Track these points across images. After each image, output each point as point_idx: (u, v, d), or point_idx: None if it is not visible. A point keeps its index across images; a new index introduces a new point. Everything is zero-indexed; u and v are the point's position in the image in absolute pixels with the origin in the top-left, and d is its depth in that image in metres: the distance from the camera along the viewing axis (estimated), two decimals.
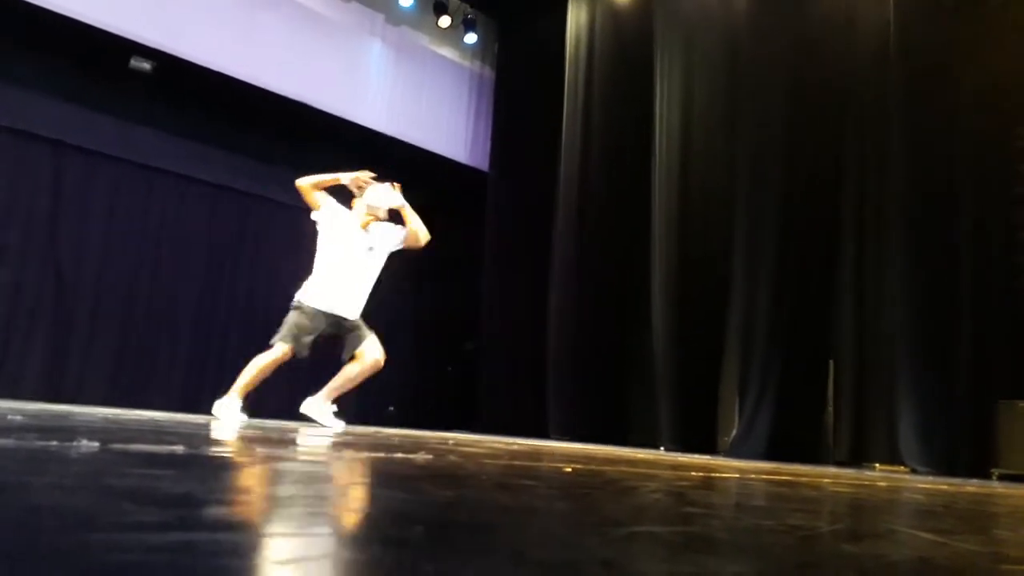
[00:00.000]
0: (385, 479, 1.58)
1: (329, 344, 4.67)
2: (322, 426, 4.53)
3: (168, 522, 0.81)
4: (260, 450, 1.88)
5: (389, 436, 4.04)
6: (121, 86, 6.98)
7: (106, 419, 3.23)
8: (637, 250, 7.66)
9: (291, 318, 4.54)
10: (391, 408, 8.61)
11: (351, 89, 8.33)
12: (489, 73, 9.55)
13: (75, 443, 1.58)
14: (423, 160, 8.85)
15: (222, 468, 1.47)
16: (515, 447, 4.18)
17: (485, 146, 9.35)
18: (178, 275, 7.32)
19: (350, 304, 4.58)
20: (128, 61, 6.91)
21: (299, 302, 4.55)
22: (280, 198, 8.10)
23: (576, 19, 8.73)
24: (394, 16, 8.75)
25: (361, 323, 4.64)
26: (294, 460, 1.72)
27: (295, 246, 8.21)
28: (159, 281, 7.20)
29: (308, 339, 4.50)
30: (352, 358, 4.57)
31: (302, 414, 4.59)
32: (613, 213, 8.02)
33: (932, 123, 5.82)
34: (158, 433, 2.45)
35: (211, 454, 1.72)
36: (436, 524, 1.04)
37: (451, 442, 3.96)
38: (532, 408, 8.09)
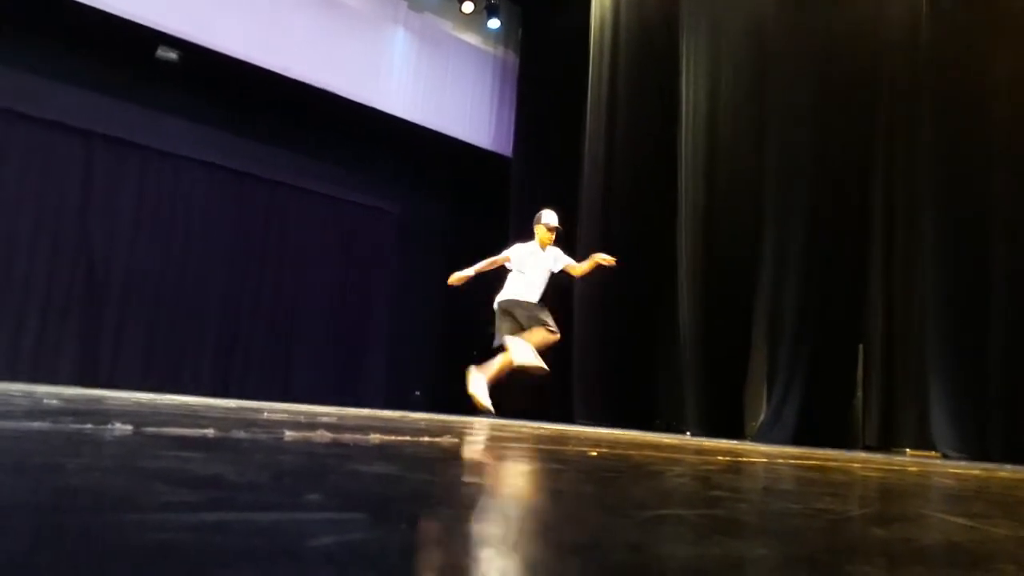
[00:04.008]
0: (413, 463, 1.59)
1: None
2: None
3: (200, 503, 0.83)
4: (289, 433, 1.90)
5: (416, 420, 4.07)
6: (148, 76, 7.05)
7: (139, 403, 3.28)
8: (663, 235, 7.60)
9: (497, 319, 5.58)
10: (417, 393, 8.67)
11: (375, 76, 8.34)
12: (512, 59, 9.51)
13: (109, 426, 1.61)
14: (447, 146, 8.85)
15: (252, 451, 1.49)
16: (541, 431, 4.19)
17: (509, 132, 9.33)
18: (206, 261, 7.41)
19: (525, 293, 5.67)
20: (155, 51, 6.98)
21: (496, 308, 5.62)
22: (305, 185, 8.16)
23: (600, 3, 8.64)
24: (417, 3, 8.74)
25: (540, 309, 5.65)
26: (321, 443, 1.74)
27: (320, 232, 8.31)
28: (188, 267, 7.30)
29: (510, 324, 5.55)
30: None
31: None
32: (638, 197, 7.97)
33: (965, 107, 5.70)
34: (190, 417, 2.49)
35: (241, 437, 1.74)
36: (463, 506, 1.05)
37: (477, 426, 3.98)
38: (558, 393, 8.09)
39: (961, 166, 5.67)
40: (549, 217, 5.86)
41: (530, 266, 5.71)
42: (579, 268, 5.89)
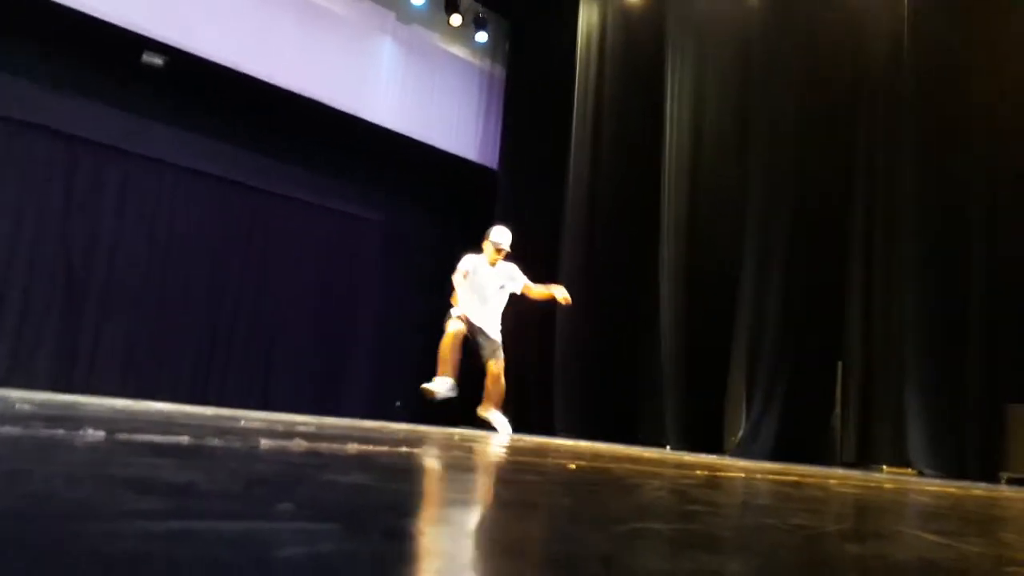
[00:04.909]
0: (389, 473, 1.58)
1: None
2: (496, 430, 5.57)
3: (168, 511, 0.82)
4: (265, 442, 1.89)
5: (396, 431, 4.05)
6: (133, 81, 7.01)
7: (114, 410, 3.24)
8: (647, 249, 7.64)
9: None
10: (399, 403, 8.62)
11: (362, 86, 8.33)
12: (500, 72, 9.54)
13: (81, 432, 1.59)
14: (433, 158, 8.85)
15: (226, 459, 1.47)
16: (520, 443, 4.19)
17: (495, 144, 9.34)
18: (187, 269, 7.34)
19: (487, 323, 5.61)
20: (140, 56, 6.94)
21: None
22: (289, 193, 8.13)
23: (587, 18, 8.71)
24: (405, 14, 8.75)
25: (497, 342, 5.63)
26: (297, 452, 1.73)
27: (304, 240, 8.27)
28: (169, 274, 7.23)
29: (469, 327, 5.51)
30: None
31: (481, 418, 5.69)
32: (623, 212, 8.01)
33: (945, 126, 5.79)
34: (165, 424, 2.46)
35: (216, 445, 1.73)
36: (437, 519, 1.04)
37: (456, 438, 3.96)
38: (538, 405, 8.08)
39: (941, 185, 5.75)
40: (498, 236, 5.68)
41: (485, 284, 5.63)
42: (535, 292, 5.79)
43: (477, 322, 5.57)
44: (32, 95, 6.50)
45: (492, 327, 5.64)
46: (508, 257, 5.73)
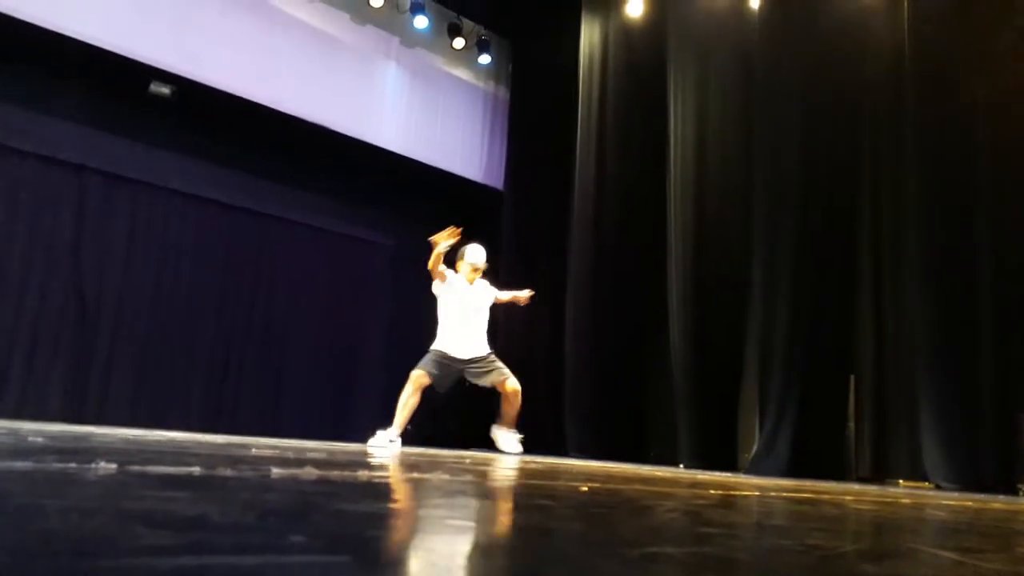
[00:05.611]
0: (400, 500, 1.58)
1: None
2: (507, 452, 5.54)
3: (181, 546, 0.82)
4: (276, 471, 1.88)
5: (407, 455, 4.04)
6: (141, 111, 7.08)
7: (126, 440, 3.25)
8: (654, 267, 7.63)
9: (428, 355, 5.49)
10: (410, 427, 8.60)
11: (367, 111, 8.40)
12: (503, 93, 9.60)
13: (93, 465, 1.59)
14: (439, 180, 8.89)
15: (238, 490, 1.47)
16: (532, 465, 4.17)
17: (500, 165, 9.39)
18: (197, 296, 7.38)
19: (471, 348, 5.52)
20: (148, 86, 7.02)
21: (432, 349, 5.53)
22: (297, 218, 8.17)
23: (589, 38, 8.77)
24: (409, 38, 8.84)
25: (492, 360, 5.53)
26: (308, 480, 1.72)
27: (312, 265, 8.31)
28: (179, 302, 7.26)
29: (444, 373, 5.46)
30: (494, 390, 5.59)
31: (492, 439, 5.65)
32: (629, 230, 8.02)
33: (949, 134, 5.78)
34: (176, 454, 2.46)
35: (227, 475, 1.73)
36: (449, 547, 1.04)
37: (468, 461, 3.94)
38: (550, 426, 8.05)
39: (949, 192, 5.73)
40: (473, 255, 5.52)
41: (467, 306, 5.52)
42: (503, 299, 5.74)
43: (461, 353, 5.44)
44: (41, 126, 6.57)
45: (480, 347, 5.51)
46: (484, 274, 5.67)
